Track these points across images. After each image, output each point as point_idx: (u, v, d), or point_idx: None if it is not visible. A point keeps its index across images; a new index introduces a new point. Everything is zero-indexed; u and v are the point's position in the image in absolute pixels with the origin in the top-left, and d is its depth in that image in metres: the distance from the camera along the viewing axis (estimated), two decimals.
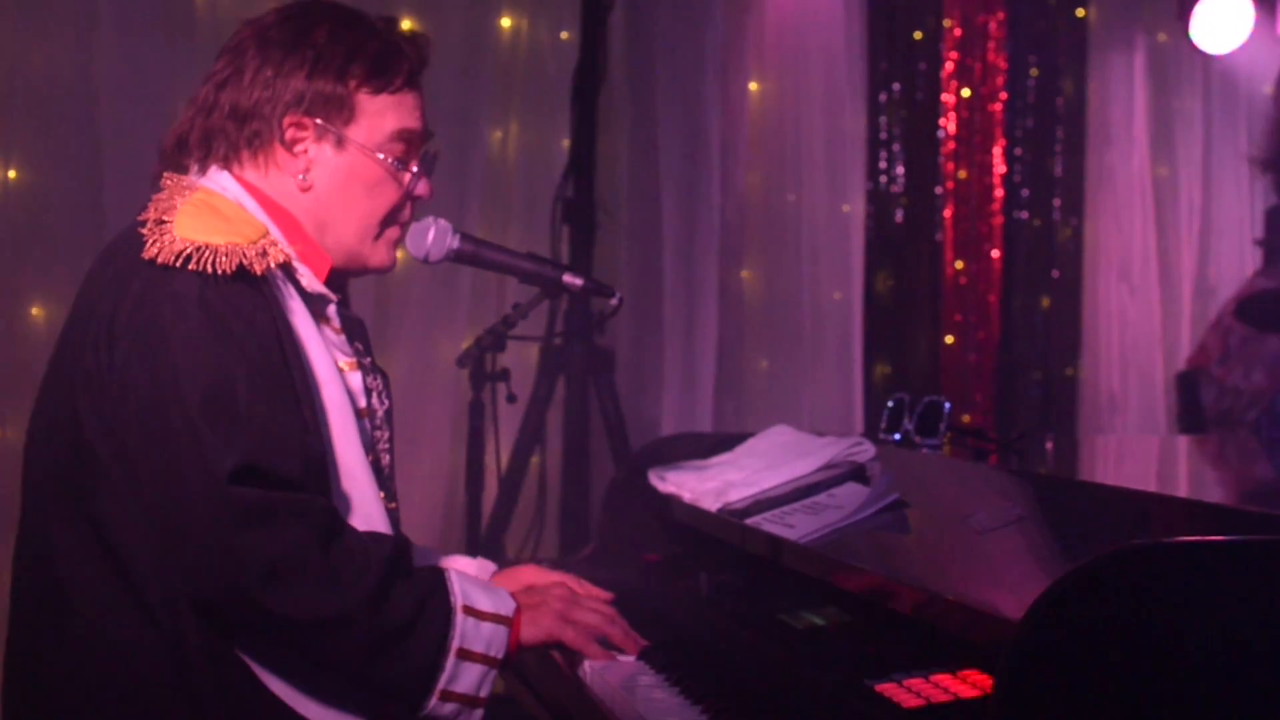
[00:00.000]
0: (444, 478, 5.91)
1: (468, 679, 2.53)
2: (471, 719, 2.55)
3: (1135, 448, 4.64)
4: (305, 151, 2.73)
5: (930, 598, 2.29)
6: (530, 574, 3.04)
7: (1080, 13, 8.34)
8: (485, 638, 2.56)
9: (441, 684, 2.50)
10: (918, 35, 7.83)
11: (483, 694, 2.55)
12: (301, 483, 2.46)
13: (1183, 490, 3.42)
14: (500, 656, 2.58)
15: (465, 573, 2.69)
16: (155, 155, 2.84)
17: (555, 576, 3.00)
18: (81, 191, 5.06)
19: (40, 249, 5.02)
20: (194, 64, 5.16)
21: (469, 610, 2.55)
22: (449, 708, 2.52)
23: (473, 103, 6.10)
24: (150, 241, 2.50)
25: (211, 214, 2.58)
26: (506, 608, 2.63)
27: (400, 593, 2.48)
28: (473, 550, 4.74)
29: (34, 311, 5.01)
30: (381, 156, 2.76)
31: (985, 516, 2.65)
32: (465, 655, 2.53)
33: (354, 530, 2.54)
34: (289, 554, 2.38)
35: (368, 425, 2.76)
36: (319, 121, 2.72)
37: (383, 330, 5.87)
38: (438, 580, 2.57)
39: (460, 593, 2.56)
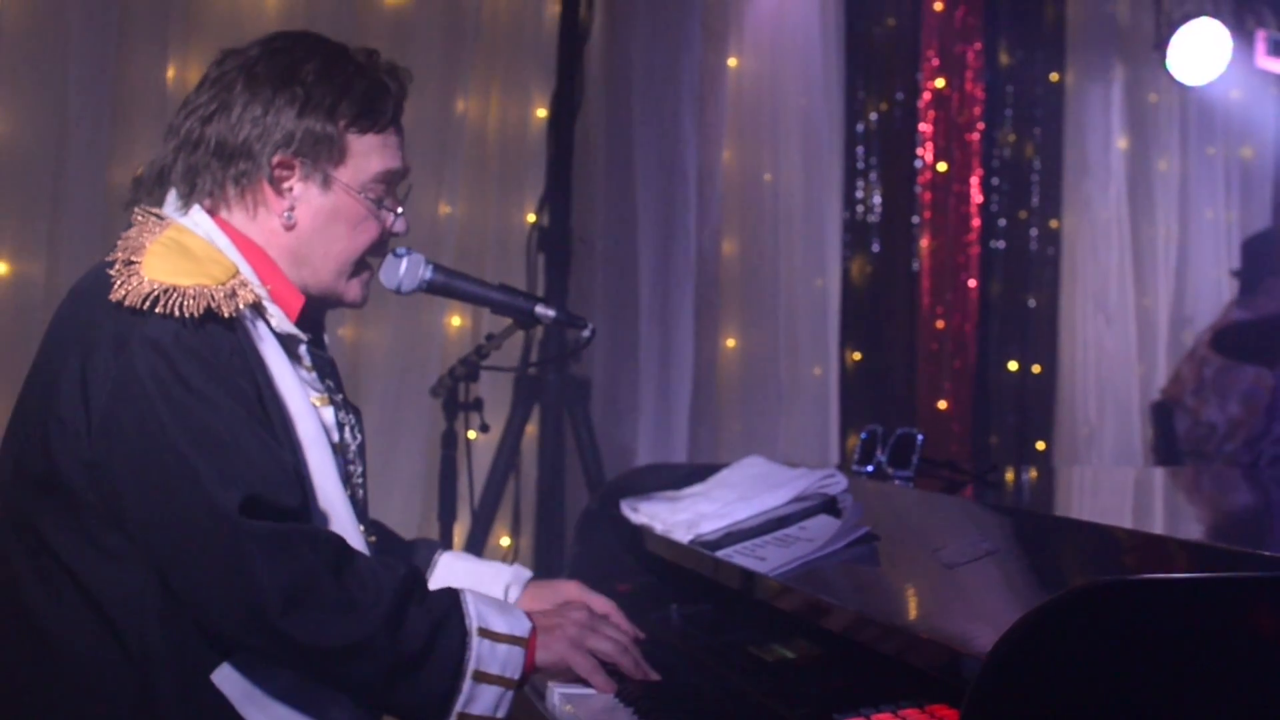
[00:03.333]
0: (416, 508, 5.89)
1: (484, 700, 2.55)
2: None
3: (1109, 480, 4.64)
4: (291, 190, 2.74)
5: (898, 632, 2.29)
6: (573, 590, 3.07)
7: (1059, 44, 8.37)
8: (501, 659, 2.58)
9: (459, 706, 2.52)
10: (895, 65, 7.84)
11: (500, 715, 2.57)
12: (305, 513, 2.50)
13: (1155, 525, 3.42)
14: (516, 678, 2.60)
15: (481, 594, 2.69)
16: (128, 182, 2.85)
17: (598, 601, 3.03)
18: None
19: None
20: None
21: (484, 633, 2.57)
22: None
23: (448, 134, 6.10)
24: (118, 283, 2.50)
25: (180, 254, 2.58)
26: (522, 629, 2.64)
27: (416, 616, 2.50)
28: None
29: None
30: (365, 196, 2.77)
31: (955, 550, 2.65)
32: (481, 677, 2.55)
33: (365, 557, 2.57)
34: (306, 582, 2.41)
35: (342, 460, 2.76)
36: (308, 161, 2.72)
37: (355, 360, 5.86)
38: (453, 603, 2.58)
39: (476, 615, 2.58)
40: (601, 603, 3.02)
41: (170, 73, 5.38)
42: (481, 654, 2.54)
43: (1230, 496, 4.10)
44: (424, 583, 2.61)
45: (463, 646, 2.53)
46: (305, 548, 2.42)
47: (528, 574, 3.15)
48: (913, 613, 2.51)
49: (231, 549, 2.38)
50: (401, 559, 2.71)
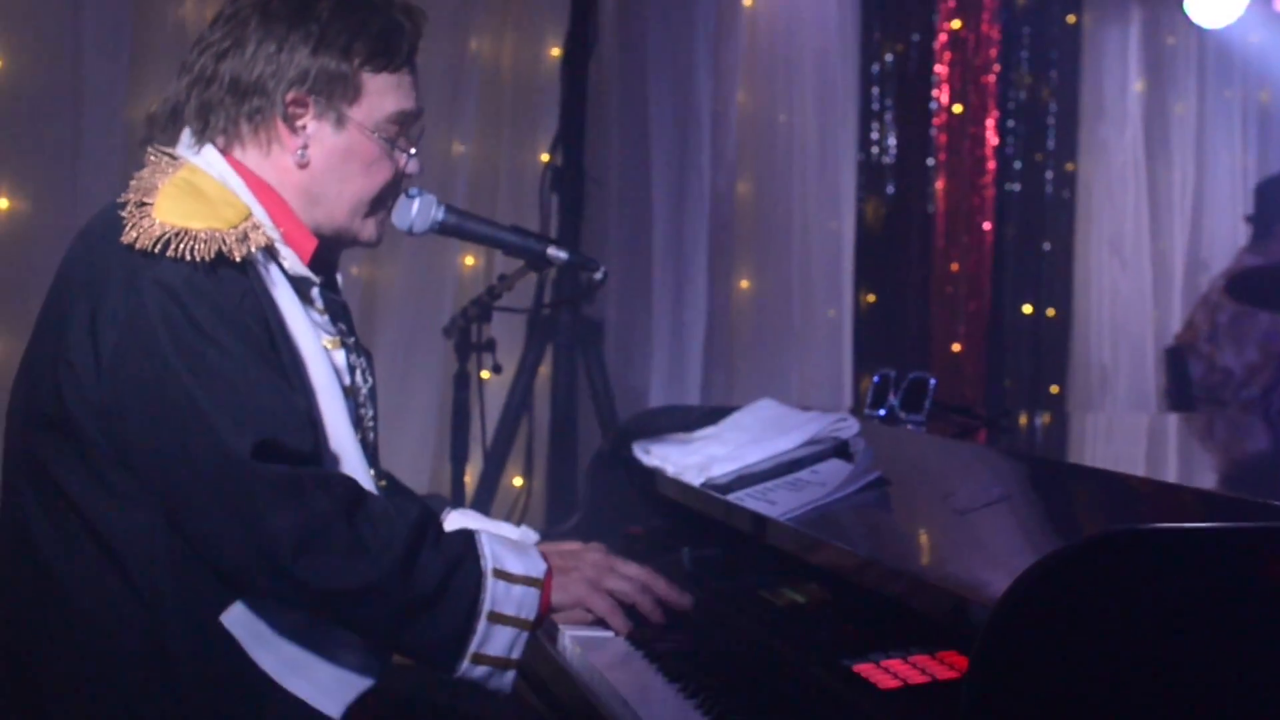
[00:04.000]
0: (430, 449, 5.90)
1: (499, 642, 2.53)
2: (504, 680, 2.56)
3: (1123, 426, 4.63)
4: (305, 128, 2.72)
5: (908, 578, 2.29)
6: (577, 546, 3.05)
7: (1071, 18, 8.32)
8: (516, 600, 2.56)
9: (473, 647, 2.51)
10: (911, 5, 7.80)
11: (515, 656, 2.56)
12: (317, 456, 2.50)
13: (1169, 473, 3.41)
14: (532, 619, 2.58)
15: (497, 535, 2.68)
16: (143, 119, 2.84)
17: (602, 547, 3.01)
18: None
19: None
20: None
21: (499, 574, 2.55)
22: (480, 670, 2.53)
23: (461, 73, 6.07)
24: (130, 225, 2.49)
25: (194, 196, 2.57)
26: (538, 570, 2.63)
27: (429, 558, 2.49)
28: None
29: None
30: (378, 136, 2.75)
31: (966, 496, 2.64)
32: (497, 618, 2.53)
33: (379, 499, 2.57)
34: (318, 525, 2.40)
35: (353, 404, 2.76)
36: (321, 99, 2.70)
37: (370, 299, 5.86)
38: (469, 544, 2.57)
39: (491, 555, 2.56)
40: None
41: (182, 12, 5.36)
42: (497, 595, 2.53)
43: (1244, 444, 4.09)
44: (439, 524, 2.60)
45: (478, 587, 2.52)
46: (318, 491, 2.42)
47: (535, 535, 3.13)
48: (923, 558, 2.51)
49: (243, 493, 2.37)
50: (416, 501, 2.70)
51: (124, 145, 5.08)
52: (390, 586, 2.44)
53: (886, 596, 2.37)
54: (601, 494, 3.85)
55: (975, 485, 2.71)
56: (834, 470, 3.06)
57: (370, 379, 2.89)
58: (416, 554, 2.47)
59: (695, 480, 3.29)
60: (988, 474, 2.86)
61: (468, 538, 2.59)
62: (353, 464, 2.65)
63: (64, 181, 5.00)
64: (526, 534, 3.12)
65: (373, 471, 2.76)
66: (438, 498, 3.27)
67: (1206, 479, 3.26)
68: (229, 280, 2.50)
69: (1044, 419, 4.67)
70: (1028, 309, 8.27)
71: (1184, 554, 1.88)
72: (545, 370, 5.80)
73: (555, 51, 6.21)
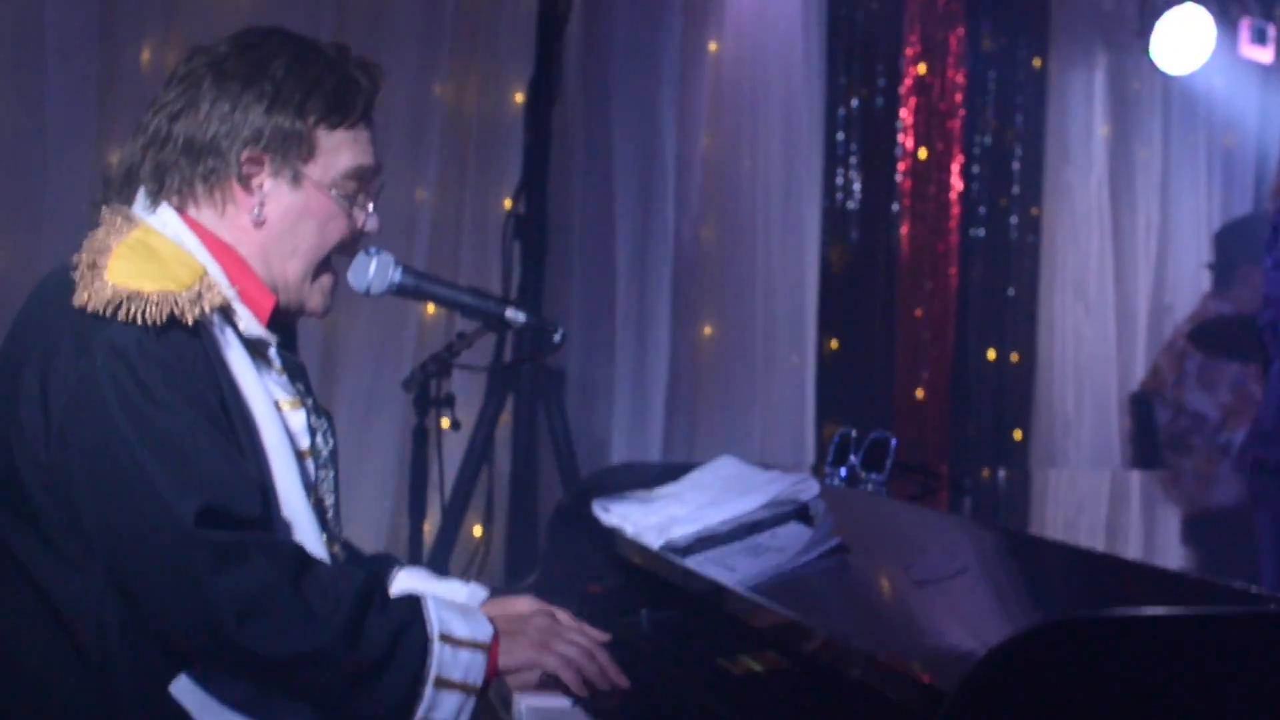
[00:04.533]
0: (389, 501, 5.87)
1: (447, 707, 2.52)
2: None
3: (1086, 487, 4.61)
4: (260, 187, 2.72)
5: (864, 658, 2.26)
6: (526, 603, 3.03)
7: (1042, 31, 8.34)
8: (464, 665, 2.55)
9: (420, 713, 2.50)
10: (877, 50, 7.82)
11: None
12: (264, 522, 2.48)
13: (1131, 544, 3.40)
14: (479, 684, 2.57)
15: (443, 598, 2.68)
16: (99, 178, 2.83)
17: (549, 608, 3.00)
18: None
19: None
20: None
21: (446, 638, 2.54)
22: None
23: (424, 119, 6.06)
24: (81, 287, 2.48)
25: (147, 257, 2.55)
26: (484, 634, 2.61)
27: (376, 624, 2.48)
28: None
29: None
30: (334, 193, 2.73)
31: (927, 567, 2.62)
32: (443, 684, 2.52)
33: (324, 565, 2.55)
34: (263, 592, 2.38)
35: (311, 466, 2.76)
36: (276, 157, 2.68)
37: (330, 354, 5.83)
38: (414, 609, 2.56)
39: (437, 620, 2.55)
40: (562, 615, 2.99)
41: (146, 55, 5.34)
42: (443, 660, 2.52)
43: (1209, 511, 4.08)
44: (384, 590, 2.60)
45: (424, 653, 2.50)
46: (262, 557, 2.40)
47: (484, 592, 3.11)
48: (882, 634, 2.49)
49: (186, 560, 2.36)
50: (363, 565, 2.68)
51: (88, 191, 5.06)
52: (336, 653, 2.43)
53: (841, 670, 2.35)
54: (561, 551, 3.83)
55: (936, 555, 2.69)
56: (794, 535, 3.03)
57: (331, 440, 2.88)
58: (362, 620, 2.46)
59: (655, 542, 3.26)
60: (949, 543, 2.84)
61: (413, 603, 2.58)
62: (304, 529, 2.64)
63: (26, 226, 4.98)
64: (475, 591, 3.10)
65: (325, 535, 2.73)
66: (387, 556, 3.24)
67: (1168, 552, 3.24)
68: (181, 343, 2.49)
69: (1005, 478, 4.66)
70: (991, 354, 8.27)
71: (1141, 642, 1.86)
72: (506, 419, 5.78)
73: (519, 97, 6.20)
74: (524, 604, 3.01)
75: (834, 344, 7.62)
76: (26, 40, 5.04)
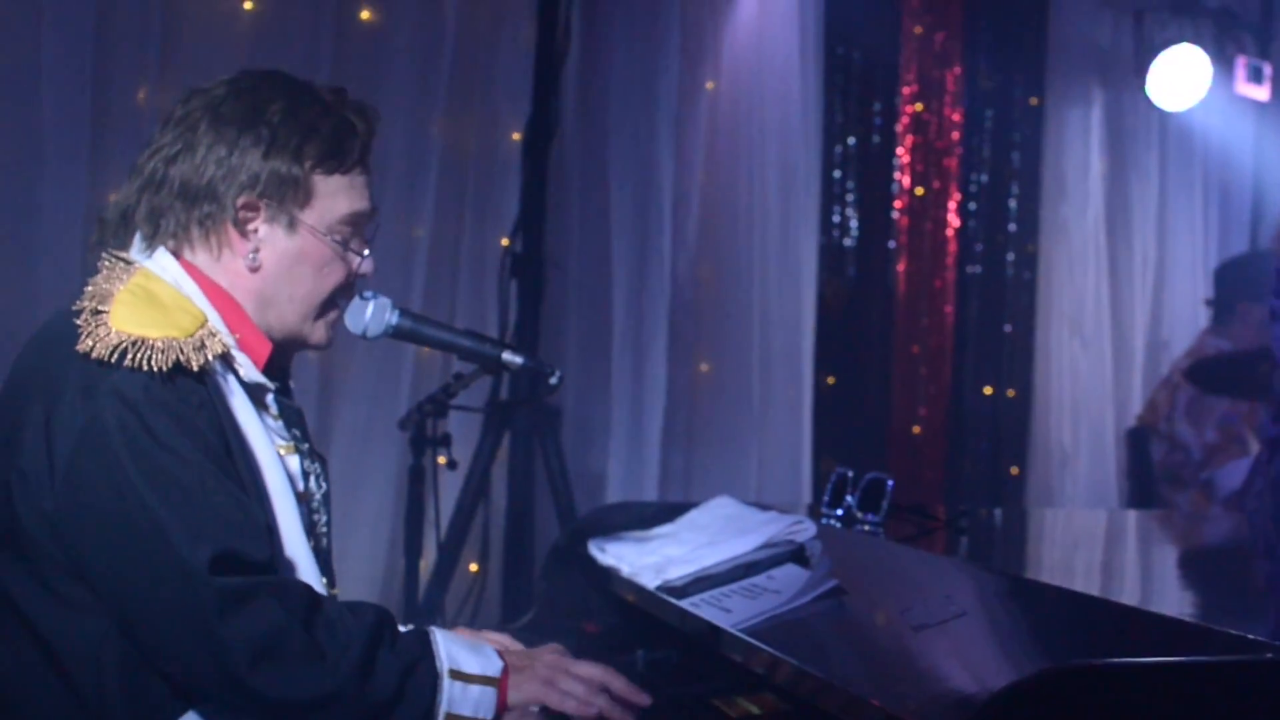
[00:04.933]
0: (384, 540, 5.86)
1: None
2: None
3: (1082, 527, 4.61)
4: (256, 232, 2.72)
5: (860, 702, 2.26)
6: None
7: (1038, 68, 8.36)
8: (474, 700, 2.55)
9: None
10: (873, 88, 7.83)
11: None
12: (272, 565, 2.48)
13: (1127, 588, 3.40)
14: (490, 718, 2.57)
15: (450, 633, 2.68)
16: (94, 220, 2.83)
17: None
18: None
19: None
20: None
21: (455, 674, 2.55)
22: None
23: (421, 156, 6.06)
24: (85, 334, 2.47)
25: (149, 304, 2.55)
26: (494, 668, 2.62)
27: (386, 662, 2.48)
28: (412, 615, 4.70)
29: None
30: (331, 238, 2.74)
31: (924, 611, 2.62)
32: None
33: (335, 603, 2.55)
34: (274, 636, 2.38)
35: (306, 510, 2.74)
36: (273, 203, 2.69)
37: (326, 393, 5.83)
38: (423, 645, 2.56)
39: (446, 655, 2.56)
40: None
41: (141, 93, 5.35)
42: (453, 696, 2.52)
43: (1206, 553, 4.08)
44: (394, 625, 2.59)
45: (434, 690, 2.51)
46: (273, 601, 2.40)
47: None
48: (876, 678, 2.49)
49: (198, 606, 2.35)
50: (372, 605, 2.68)
51: (81, 223, 5.06)
52: (347, 694, 2.43)
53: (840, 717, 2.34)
54: (557, 590, 3.83)
55: (933, 598, 2.69)
56: (790, 577, 3.04)
57: (324, 484, 2.88)
58: (374, 658, 2.47)
59: (651, 582, 3.27)
60: (946, 585, 2.84)
61: (422, 637, 2.58)
62: (305, 571, 2.64)
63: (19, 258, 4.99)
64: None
65: (325, 579, 2.73)
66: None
67: (1165, 597, 3.23)
68: (186, 389, 2.49)
69: (1002, 518, 4.65)
70: (988, 390, 8.27)
71: (1140, 689, 1.86)
72: (502, 456, 5.77)
73: (516, 136, 6.20)
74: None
75: (830, 380, 7.62)
76: (22, 72, 5.03)
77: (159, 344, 2.46)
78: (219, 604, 2.35)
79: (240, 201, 2.68)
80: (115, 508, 2.40)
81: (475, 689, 2.56)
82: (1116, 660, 1.88)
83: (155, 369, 2.44)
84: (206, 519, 2.39)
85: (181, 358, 2.47)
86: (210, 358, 2.52)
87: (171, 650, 2.40)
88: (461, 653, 2.59)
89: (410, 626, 2.68)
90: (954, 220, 8.05)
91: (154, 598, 2.38)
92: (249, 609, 2.37)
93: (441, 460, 4.56)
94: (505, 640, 2.99)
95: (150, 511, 2.38)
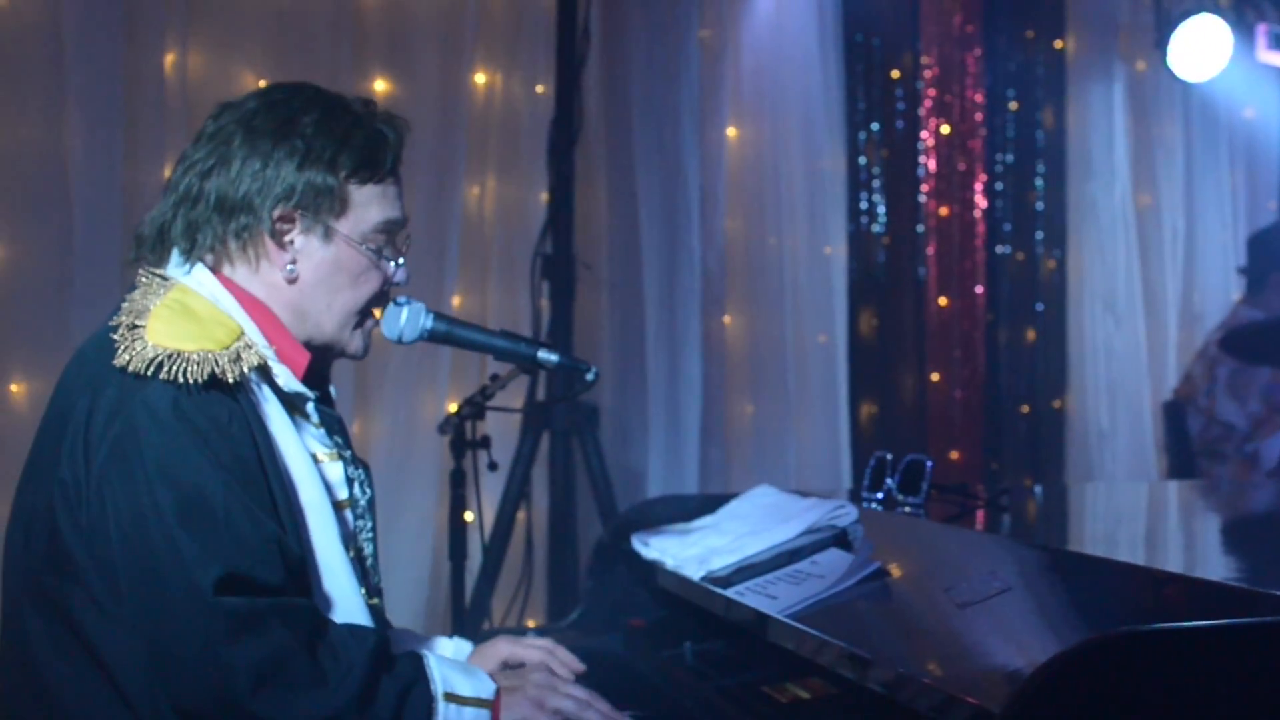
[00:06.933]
0: (429, 547, 5.87)
1: None
2: None
3: (1127, 500, 4.60)
4: (292, 243, 2.73)
5: (910, 679, 2.27)
6: (504, 647, 3.09)
7: (1059, 44, 8.34)
8: None
9: None
10: (895, 74, 7.83)
11: None
12: (283, 588, 2.47)
13: (1170, 556, 3.40)
14: None
15: (444, 656, 2.71)
16: (129, 238, 2.84)
17: (531, 651, 3.06)
18: (54, 267, 5.01)
19: (17, 326, 4.98)
20: (163, 145, 5.18)
21: (450, 697, 2.57)
22: None
23: (449, 159, 6.06)
24: (123, 348, 2.49)
25: (185, 317, 2.57)
26: (487, 690, 2.64)
27: (384, 687, 2.49)
28: (459, 617, 4.72)
29: (13, 389, 4.97)
30: (365, 247, 2.76)
31: (968, 589, 2.63)
32: None
33: (337, 627, 2.55)
34: (277, 660, 2.39)
35: (349, 517, 2.77)
36: (308, 214, 2.71)
37: (364, 399, 5.84)
38: (419, 669, 2.58)
39: (441, 679, 2.58)
40: (535, 653, 3.05)
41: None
42: (449, 719, 2.55)
43: (1247, 519, 4.07)
44: (390, 650, 2.61)
45: (429, 713, 2.53)
46: (277, 624, 2.41)
47: (469, 647, 3.14)
48: (926, 657, 2.49)
49: (203, 627, 2.36)
50: (370, 628, 2.68)
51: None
52: (348, 717, 2.43)
53: (890, 696, 2.35)
54: (603, 586, 3.84)
55: (976, 576, 2.70)
56: (834, 561, 3.05)
57: (369, 491, 2.89)
58: (375, 683, 2.49)
59: (695, 574, 3.28)
60: (988, 563, 2.84)
61: (416, 661, 2.61)
62: (341, 583, 2.65)
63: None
64: (460, 645, 3.13)
65: (364, 590, 2.74)
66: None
67: (1210, 562, 3.23)
68: (218, 403, 2.50)
69: (1041, 496, 4.64)
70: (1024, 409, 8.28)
71: (1188, 653, 1.87)
72: (542, 456, 5.79)
73: (543, 197, 6.23)
74: (504, 646, 3.07)
75: (865, 367, 7.62)
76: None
77: (194, 357, 2.48)
78: (224, 627, 2.35)
79: (277, 213, 2.70)
80: (136, 523, 2.41)
81: (470, 711, 2.59)
82: (1164, 625, 1.88)
83: (190, 381, 2.46)
84: (222, 539, 2.40)
85: (217, 370, 2.49)
86: (246, 370, 2.54)
87: (175, 670, 2.39)
88: (455, 676, 2.62)
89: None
90: (981, 201, 8.04)
91: (162, 617, 2.38)
92: (254, 633, 2.37)
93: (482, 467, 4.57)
94: (504, 642, 3.04)
95: (167, 528, 2.39)
